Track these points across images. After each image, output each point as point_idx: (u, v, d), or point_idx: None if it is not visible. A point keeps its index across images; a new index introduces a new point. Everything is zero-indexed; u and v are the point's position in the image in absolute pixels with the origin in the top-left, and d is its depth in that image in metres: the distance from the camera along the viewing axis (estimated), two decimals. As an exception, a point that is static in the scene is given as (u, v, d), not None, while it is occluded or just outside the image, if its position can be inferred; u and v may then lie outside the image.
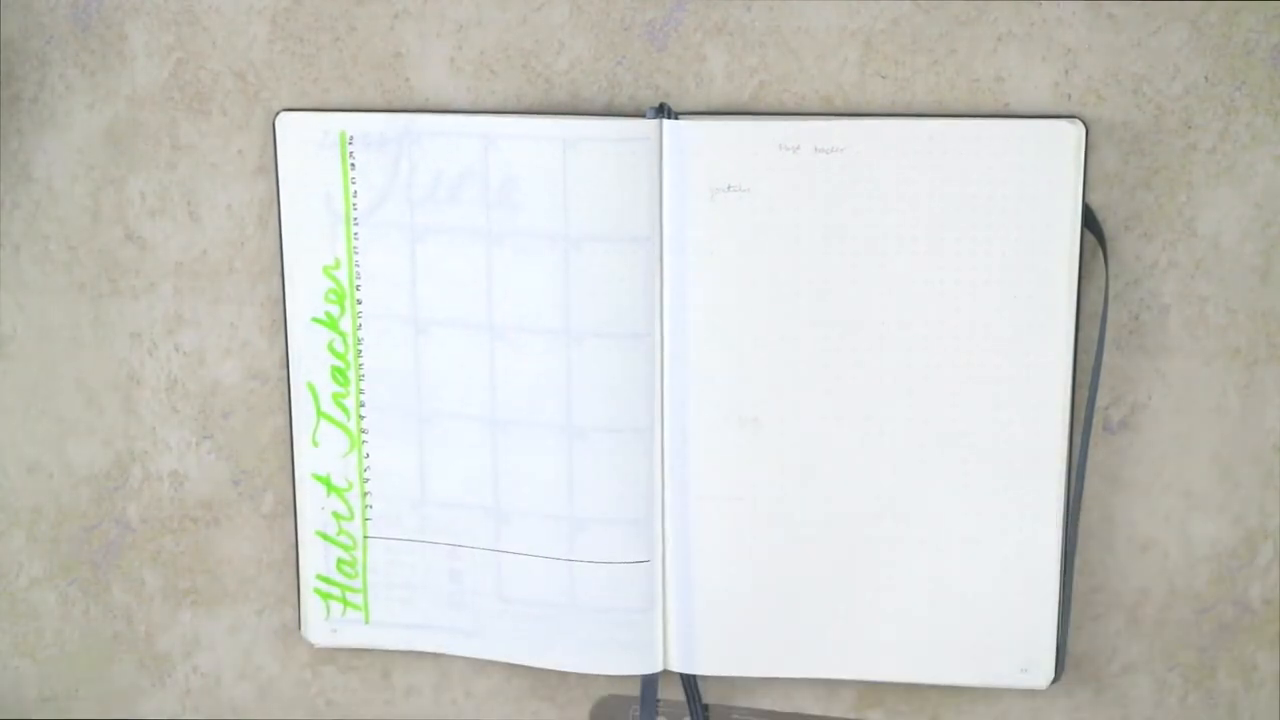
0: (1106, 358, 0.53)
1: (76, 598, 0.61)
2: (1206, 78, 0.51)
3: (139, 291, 0.59)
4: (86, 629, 0.62)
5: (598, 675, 0.58)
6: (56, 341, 0.59)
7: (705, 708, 0.58)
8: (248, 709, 0.61)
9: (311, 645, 0.60)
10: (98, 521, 0.61)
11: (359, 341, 0.56)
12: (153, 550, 0.61)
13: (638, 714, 0.58)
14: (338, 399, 0.57)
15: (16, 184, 0.58)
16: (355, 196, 0.55)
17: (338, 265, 0.56)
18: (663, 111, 0.53)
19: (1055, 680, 0.55)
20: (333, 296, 0.56)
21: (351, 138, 0.55)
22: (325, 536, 0.58)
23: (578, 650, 0.57)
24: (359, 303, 0.56)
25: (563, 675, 0.58)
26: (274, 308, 0.58)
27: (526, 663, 0.58)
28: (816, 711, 0.58)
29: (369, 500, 0.58)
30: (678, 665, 0.57)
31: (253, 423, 0.59)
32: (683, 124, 0.52)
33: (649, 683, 0.58)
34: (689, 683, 0.57)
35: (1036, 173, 0.51)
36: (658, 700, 0.58)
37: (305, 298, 0.56)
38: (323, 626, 0.59)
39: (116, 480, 0.60)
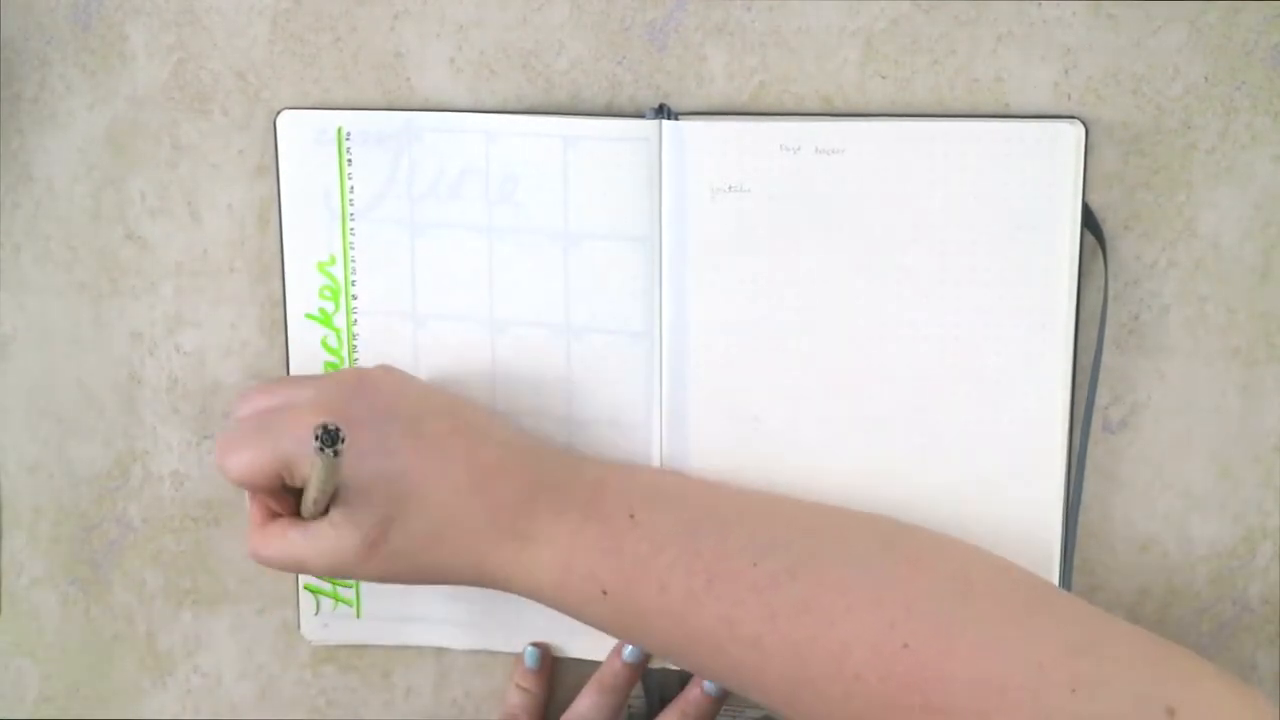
0: (1106, 358, 0.53)
1: (77, 598, 0.61)
2: (1206, 78, 0.51)
3: (139, 291, 0.59)
4: (87, 629, 0.62)
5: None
6: (56, 341, 0.59)
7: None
8: (248, 709, 0.61)
9: (311, 644, 0.60)
10: (98, 521, 0.61)
11: (354, 337, 0.56)
12: (153, 550, 0.61)
13: (637, 709, 0.58)
14: None
15: (16, 184, 0.58)
16: (352, 192, 0.55)
17: (333, 261, 0.56)
18: (663, 112, 0.53)
19: (1055, 680, 0.55)
20: (327, 293, 0.56)
21: (348, 134, 0.55)
22: (324, 536, 0.58)
23: (578, 637, 0.57)
24: (354, 298, 0.56)
25: (563, 674, 0.58)
26: (274, 308, 0.58)
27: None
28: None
29: (369, 500, 0.58)
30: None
31: (253, 422, 0.59)
32: (683, 124, 0.52)
33: (649, 678, 0.58)
34: (688, 680, 0.57)
35: (1036, 173, 0.51)
36: (659, 697, 0.58)
37: (299, 295, 0.56)
38: (314, 622, 0.59)
39: (117, 480, 0.60)
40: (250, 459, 0.49)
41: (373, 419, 0.49)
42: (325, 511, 0.49)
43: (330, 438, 0.44)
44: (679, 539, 0.48)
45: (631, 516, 0.49)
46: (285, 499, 0.50)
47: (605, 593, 0.48)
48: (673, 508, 0.50)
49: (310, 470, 0.47)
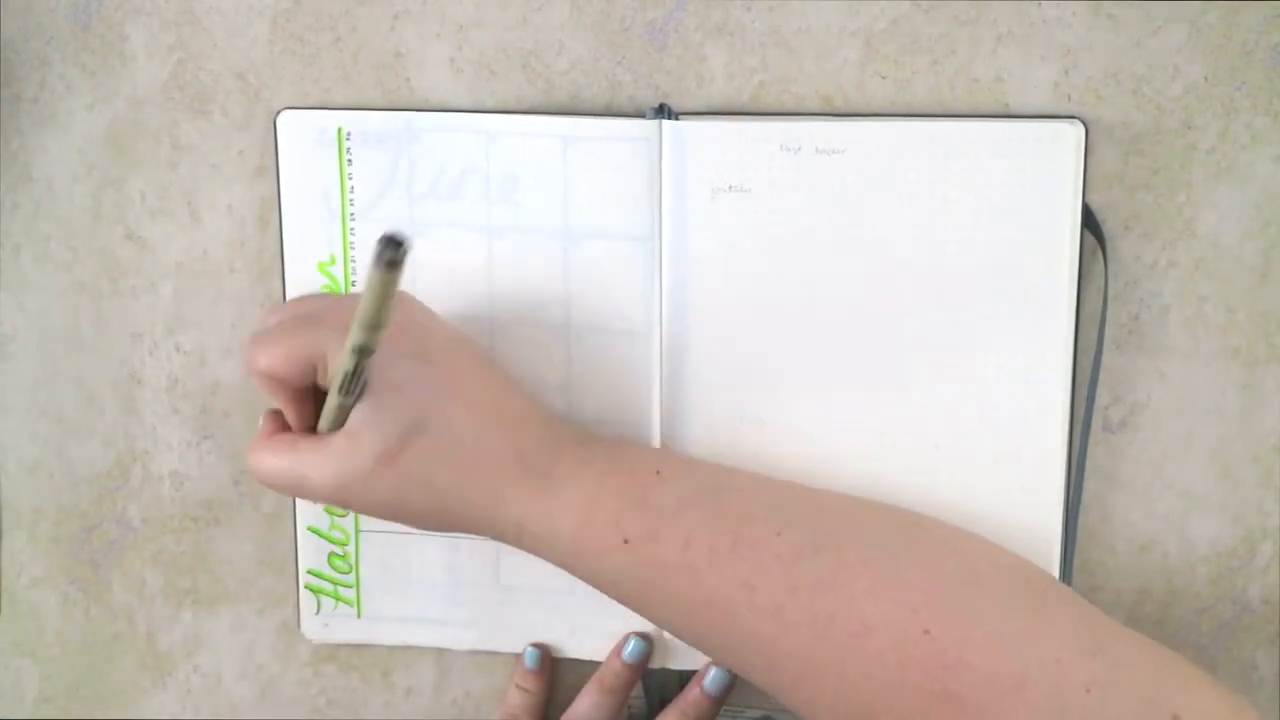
0: (1106, 358, 0.53)
1: (77, 598, 0.61)
2: (1206, 78, 0.52)
3: (139, 291, 0.59)
4: (87, 629, 0.62)
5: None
6: (56, 341, 0.59)
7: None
8: (248, 709, 0.61)
9: (312, 644, 0.60)
10: (98, 521, 0.61)
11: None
12: (153, 550, 0.61)
13: (637, 709, 0.58)
14: None
15: (16, 184, 0.58)
16: (352, 193, 0.55)
17: (333, 261, 0.56)
18: (663, 112, 0.53)
19: (1055, 680, 0.55)
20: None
21: (349, 134, 0.55)
22: (317, 531, 0.58)
23: (578, 637, 0.57)
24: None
25: (563, 674, 0.58)
26: (274, 308, 0.58)
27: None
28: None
29: (368, 499, 0.58)
30: (677, 662, 0.57)
31: (253, 423, 0.59)
32: (683, 124, 0.52)
33: (650, 678, 0.58)
34: (688, 680, 0.57)
35: (1036, 173, 0.51)
36: (659, 697, 0.58)
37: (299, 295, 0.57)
38: (314, 621, 0.59)
39: (117, 480, 0.60)
40: (286, 349, 0.46)
41: (412, 329, 0.48)
42: (342, 425, 0.47)
43: (393, 244, 0.37)
44: (705, 498, 0.48)
45: (658, 473, 0.49)
46: (306, 408, 0.48)
47: (627, 541, 0.47)
48: (697, 472, 0.50)
49: (366, 288, 0.40)
